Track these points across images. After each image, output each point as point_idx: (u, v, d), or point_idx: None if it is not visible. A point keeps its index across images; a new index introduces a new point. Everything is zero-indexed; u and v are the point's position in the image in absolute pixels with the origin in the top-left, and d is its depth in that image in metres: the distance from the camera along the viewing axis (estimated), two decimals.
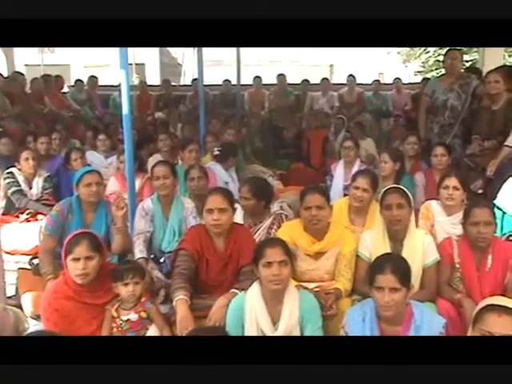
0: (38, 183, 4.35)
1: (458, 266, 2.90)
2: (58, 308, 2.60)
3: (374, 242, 2.96)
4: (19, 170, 4.32)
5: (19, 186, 4.29)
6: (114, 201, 3.26)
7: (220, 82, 8.69)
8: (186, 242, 2.95)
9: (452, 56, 4.98)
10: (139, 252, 3.34)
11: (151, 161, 4.77)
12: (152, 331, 2.65)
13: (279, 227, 3.28)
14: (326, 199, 2.99)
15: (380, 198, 3.00)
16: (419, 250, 2.89)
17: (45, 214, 3.93)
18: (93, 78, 8.68)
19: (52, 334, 1.88)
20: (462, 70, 5.36)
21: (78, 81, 8.67)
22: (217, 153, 4.84)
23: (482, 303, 2.12)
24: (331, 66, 22.98)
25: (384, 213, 2.94)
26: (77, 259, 2.58)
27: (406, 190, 3.01)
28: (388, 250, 2.85)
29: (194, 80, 8.38)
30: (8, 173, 4.32)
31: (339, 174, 4.77)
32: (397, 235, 2.93)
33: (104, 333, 2.64)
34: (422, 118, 5.19)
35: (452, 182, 3.36)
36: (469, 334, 2.15)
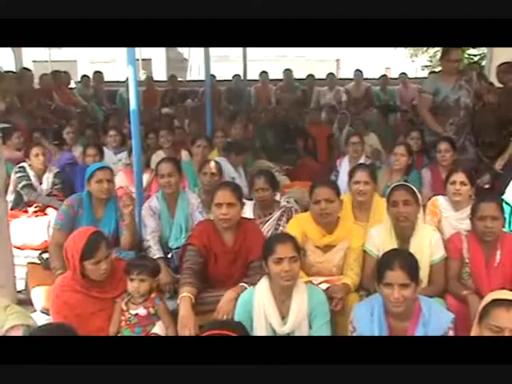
0: (48, 179, 4.38)
1: (467, 261, 2.89)
2: (66, 301, 2.64)
3: (381, 239, 2.95)
4: (30, 165, 4.34)
5: (29, 180, 4.31)
6: (120, 198, 3.25)
7: (225, 78, 8.66)
8: (194, 237, 2.97)
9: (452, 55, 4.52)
10: (157, 250, 3.33)
11: (154, 158, 4.75)
12: (157, 328, 2.67)
13: (288, 220, 3.29)
14: (335, 192, 2.98)
15: (387, 195, 2.99)
16: (426, 248, 2.89)
17: (56, 208, 3.93)
18: (98, 74, 8.69)
19: (53, 335, 1.88)
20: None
21: (85, 76, 8.68)
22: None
23: (488, 298, 2.12)
24: (337, 60, 22.87)
25: (391, 209, 2.93)
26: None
27: (413, 187, 2.99)
28: (395, 247, 2.83)
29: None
30: (19, 167, 4.35)
31: (345, 170, 4.76)
32: (404, 233, 2.92)
33: (113, 325, 2.67)
34: (427, 117, 4.63)
35: (459, 177, 3.35)
36: (473, 330, 2.14)
